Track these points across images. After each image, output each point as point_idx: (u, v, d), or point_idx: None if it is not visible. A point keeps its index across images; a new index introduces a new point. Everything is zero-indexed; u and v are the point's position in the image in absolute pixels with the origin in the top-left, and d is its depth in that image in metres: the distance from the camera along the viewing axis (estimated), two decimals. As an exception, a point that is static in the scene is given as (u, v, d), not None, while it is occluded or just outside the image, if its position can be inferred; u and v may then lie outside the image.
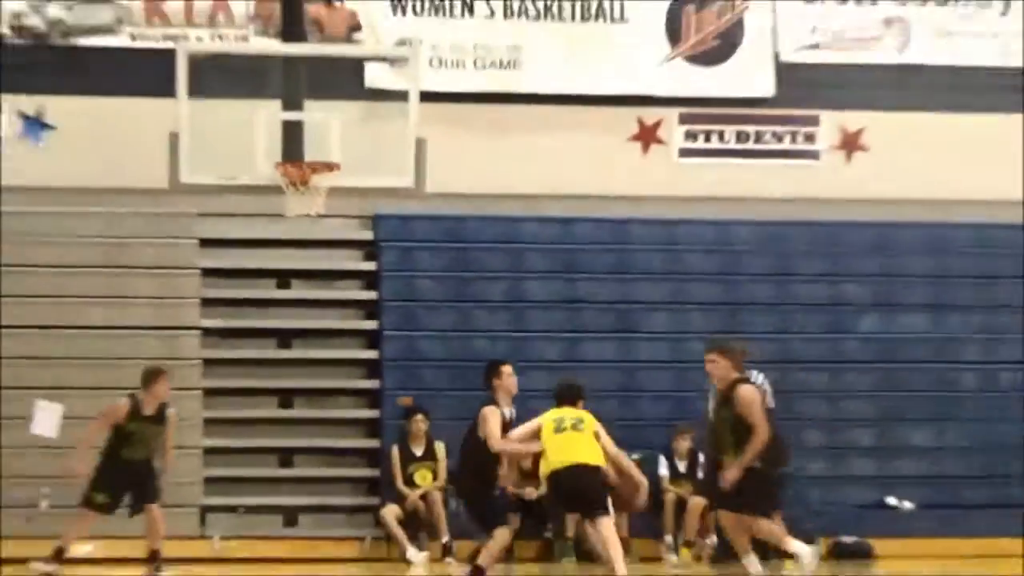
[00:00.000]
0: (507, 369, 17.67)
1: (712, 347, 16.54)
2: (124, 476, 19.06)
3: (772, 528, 16.75)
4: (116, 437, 19.07)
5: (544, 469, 16.35)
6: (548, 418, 16.60)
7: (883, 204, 25.20)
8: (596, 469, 16.13)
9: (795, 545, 16.47)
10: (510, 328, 24.40)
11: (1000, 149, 25.50)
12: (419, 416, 22.58)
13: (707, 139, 25.57)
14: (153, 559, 18.93)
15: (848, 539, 23.02)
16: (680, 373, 23.50)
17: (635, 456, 19.59)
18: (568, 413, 16.77)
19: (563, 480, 16.18)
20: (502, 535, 17.25)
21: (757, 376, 19.95)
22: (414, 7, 25.20)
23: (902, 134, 25.34)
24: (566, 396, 17.01)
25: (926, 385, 24.81)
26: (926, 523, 23.61)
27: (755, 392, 16.49)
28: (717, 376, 16.42)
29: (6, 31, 24.27)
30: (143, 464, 19.20)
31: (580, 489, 16.24)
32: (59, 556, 19.26)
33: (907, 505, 23.67)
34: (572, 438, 16.49)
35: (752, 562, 16.94)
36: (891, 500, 23.84)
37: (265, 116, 20.15)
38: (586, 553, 20.98)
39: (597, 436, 16.39)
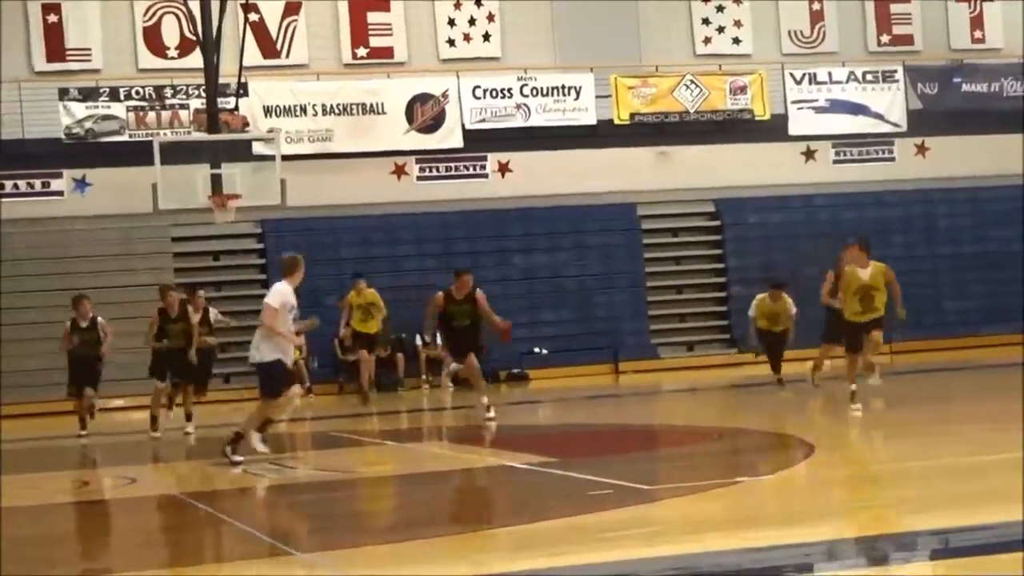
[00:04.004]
0: None
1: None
2: None
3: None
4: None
5: None
6: None
7: (522, 199, 31.80)
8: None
9: None
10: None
11: (584, 170, 31.98)
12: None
13: (431, 171, 31.83)
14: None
15: (516, 371, 30.11)
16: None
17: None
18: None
19: None
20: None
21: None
22: (276, 111, 31.04)
23: (529, 163, 32.04)
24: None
25: (550, 288, 31.51)
26: (553, 360, 30.66)
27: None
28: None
29: (63, 136, 30.13)
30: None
31: None
32: None
33: (544, 352, 30.58)
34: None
35: None
36: (536, 349, 30.72)
37: (202, 172, 27.01)
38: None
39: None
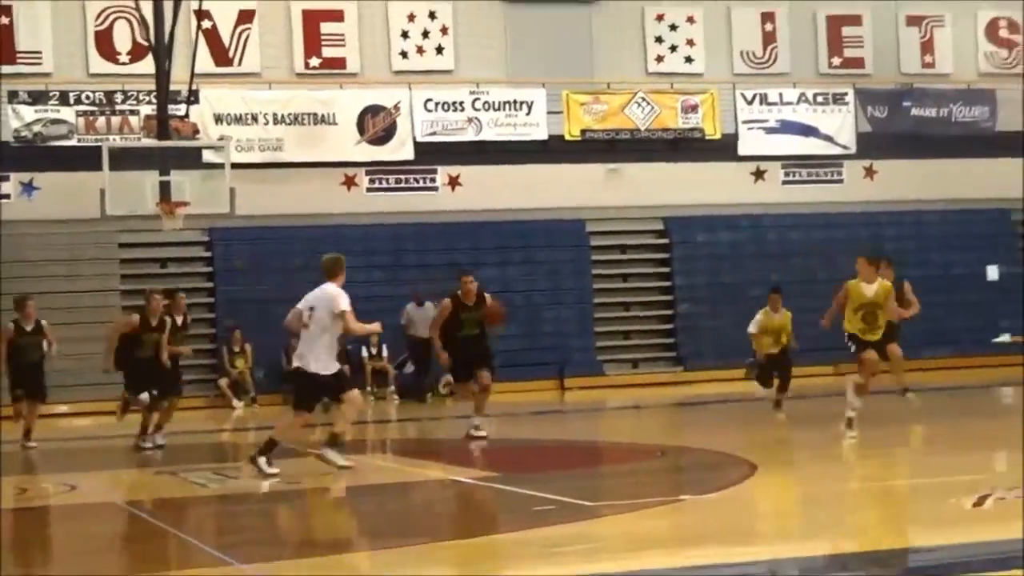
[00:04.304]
0: None
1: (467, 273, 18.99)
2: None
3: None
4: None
5: None
6: None
7: (472, 213, 31.68)
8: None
9: None
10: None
11: (534, 185, 31.98)
12: (237, 333, 29.39)
13: (381, 182, 31.76)
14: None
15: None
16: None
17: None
18: None
19: None
20: None
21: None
22: (227, 119, 30.85)
23: (479, 177, 32.01)
24: None
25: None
26: (499, 375, 29.52)
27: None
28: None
29: (9, 139, 29.92)
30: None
31: None
32: None
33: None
34: None
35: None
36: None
37: (151, 178, 27.08)
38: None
39: None
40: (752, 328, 22.13)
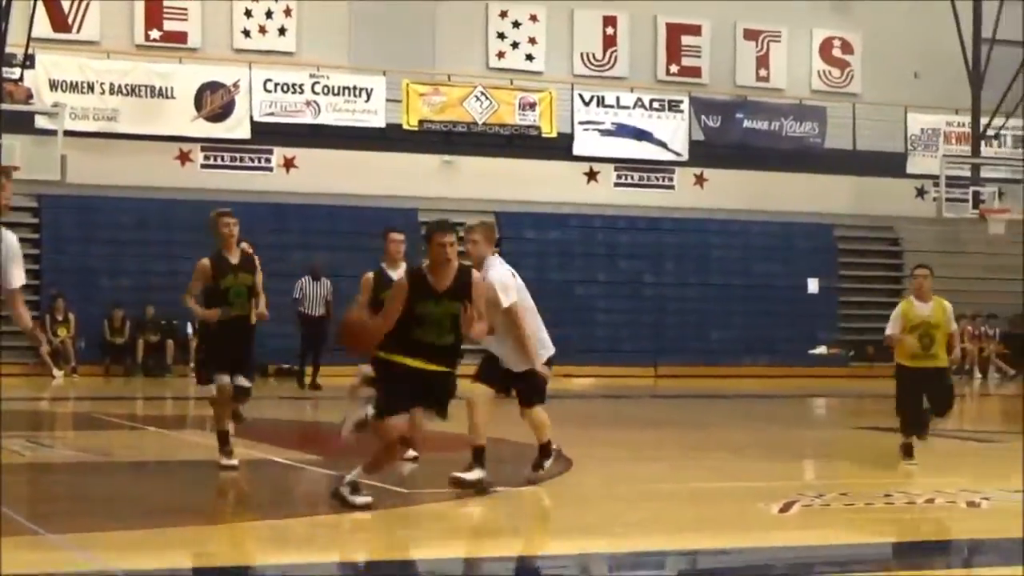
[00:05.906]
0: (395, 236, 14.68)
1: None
2: None
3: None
4: None
5: None
6: None
7: (305, 195, 31.27)
8: None
9: None
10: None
11: (369, 172, 31.81)
12: (60, 301, 28.84)
13: (216, 160, 31.48)
14: None
15: (286, 366, 28.92)
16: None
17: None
18: None
19: None
20: None
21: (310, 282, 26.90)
22: (63, 86, 30.26)
23: (314, 160, 31.85)
24: None
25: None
26: (326, 358, 27.75)
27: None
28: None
29: None
30: None
31: None
32: None
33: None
34: None
35: None
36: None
37: (-22, 142, 26.34)
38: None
39: None
40: (890, 328, 14.99)
